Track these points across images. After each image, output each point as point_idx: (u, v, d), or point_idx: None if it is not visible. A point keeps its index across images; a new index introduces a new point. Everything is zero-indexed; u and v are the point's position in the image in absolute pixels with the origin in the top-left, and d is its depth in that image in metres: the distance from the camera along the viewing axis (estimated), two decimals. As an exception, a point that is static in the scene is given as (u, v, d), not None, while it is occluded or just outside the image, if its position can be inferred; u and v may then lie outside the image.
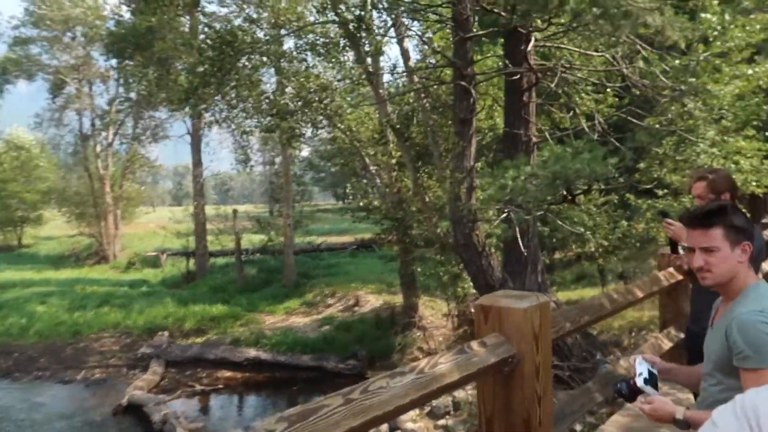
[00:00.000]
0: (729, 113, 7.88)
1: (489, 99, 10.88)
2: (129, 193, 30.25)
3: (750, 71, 7.53)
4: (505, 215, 6.74)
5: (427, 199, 12.07)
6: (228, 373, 12.26)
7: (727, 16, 7.02)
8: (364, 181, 15.14)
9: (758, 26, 7.38)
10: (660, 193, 9.77)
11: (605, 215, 10.44)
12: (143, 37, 17.03)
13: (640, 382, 1.82)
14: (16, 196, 30.57)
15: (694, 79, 7.10)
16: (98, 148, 25.64)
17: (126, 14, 20.25)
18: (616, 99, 9.67)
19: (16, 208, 31.12)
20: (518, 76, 8.00)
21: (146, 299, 17.77)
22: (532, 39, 7.85)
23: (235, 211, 22.88)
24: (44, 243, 33.79)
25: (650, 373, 1.86)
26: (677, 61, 7.26)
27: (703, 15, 7.25)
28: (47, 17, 20.86)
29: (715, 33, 7.10)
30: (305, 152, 23.46)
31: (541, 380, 2.22)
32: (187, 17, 17.59)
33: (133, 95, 24.30)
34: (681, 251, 3.10)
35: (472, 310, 11.83)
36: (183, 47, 15.93)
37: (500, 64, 9.19)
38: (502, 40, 9.11)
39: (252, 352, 12.59)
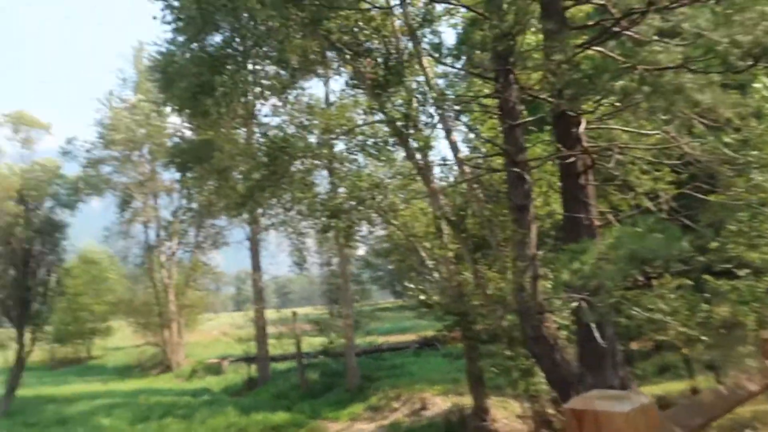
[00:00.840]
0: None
1: (544, 185, 10.62)
2: (192, 300, 30.87)
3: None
4: (576, 304, 6.26)
5: (489, 292, 11.58)
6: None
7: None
8: (423, 276, 14.84)
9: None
10: (741, 273, 9.00)
11: (682, 299, 9.66)
12: (202, 151, 17.97)
13: None
14: (86, 308, 31.77)
15: (756, 152, 6.70)
16: (163, 258, 26.57)
17: (187, 131, 21.64)
18: (676, 175, 9.23)
19: (86, 321, 32.23)
20: (572, 159, 7.76)
21: (208, 408, 17.47)
22: (583, 121, 7.68)
23: (294, 314, 22.80)
24: (112, 354, 34.50)
25: None
26: (733, 136, 6.90)
27: (754, 86, 6.94)
28: (117, 140, 22.56)
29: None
30: (361, 251, 23.54)
31: None
32: (243, 129, 18.54)
33: (195, 205, 25.40)
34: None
35: (552, 411, 10.88)
36: (240, 157, 16.65)
37: (552, 148, 9.03)
38: (552, 124, 8.99)
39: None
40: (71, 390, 22.77)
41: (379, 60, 12.03)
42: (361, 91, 14.17)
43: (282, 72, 14.69)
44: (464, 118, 12.10)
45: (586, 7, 8.54)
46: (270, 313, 23.94)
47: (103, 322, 33.25)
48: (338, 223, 13.34)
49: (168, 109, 20.90)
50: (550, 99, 7.47)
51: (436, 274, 13.24)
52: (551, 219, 10.99)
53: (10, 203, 19.33)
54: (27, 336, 20.04)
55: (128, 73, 27.58)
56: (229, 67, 13.20)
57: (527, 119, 8.91)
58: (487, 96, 8.95)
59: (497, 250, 10.77)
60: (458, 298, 12.24)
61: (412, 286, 15.77)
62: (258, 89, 15.93)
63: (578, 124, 7.54)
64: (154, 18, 12.53)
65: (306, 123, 16.01)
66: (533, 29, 7.98)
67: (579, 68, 6.82)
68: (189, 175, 21.42)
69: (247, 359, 22.60)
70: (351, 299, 19.63)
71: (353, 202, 13.91)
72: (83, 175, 21.90)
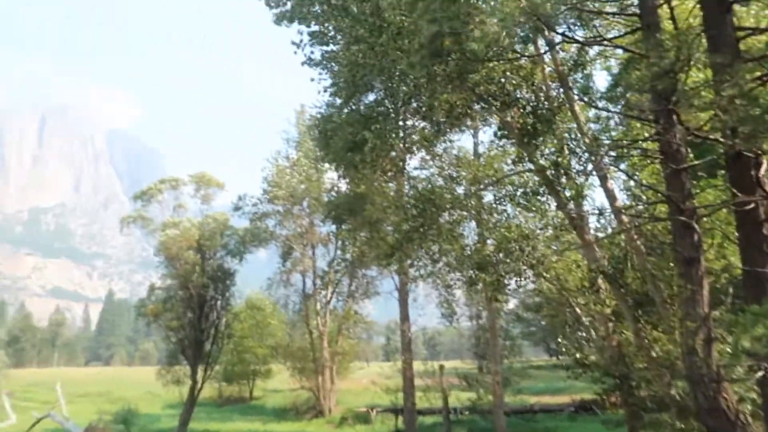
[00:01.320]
0: None
1: (717, 235, 9.48)
2: (344, 348, 31.78)
3: None
4: (762, 374, 5.37)
5: (654, 354, 10.44)
6: None
7: None
8: (578, 333, 13.87)
9: None
10: None
11: None
12: (356, 204, 18.75)
13: None
14: (250, 351, 34.13)
15: None
16: (318, 306, 27.88)
17: (342, 185, 22.87)
18: None
19: (250, 363, 34.59)
20: (751, 206, 6.84)
21: (356, 458, 17.59)
22: (764, 162, 6.77)
23: (441, 367, 22.45)
24: (271, 395, 36.46)
25: None
26: None
27: None
28: (280, 195, 24.52)
29: None
30: (511, 304, 22.69)
31: None
32: (393, 182, 19.11)
33: (348, 256, 26.49)
34: None
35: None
36: (390, 209, 17.12)
37: (726, 194, 8.05)
38: (725, 168, 8.05)
39: None
40: (234, 427, 24.33)
41: (528, 108, 11.81)
42: (509, 140, 13.98)
43: (430, 126, 14.99)
44: (621, 165, 11.31)
45: (764, 37, 7.68)
46: (418, 365, 23.83)
47: (264, 365, 35.40)
48: (486, 276, 13.02)
49: (326, 165, 22.31)
50: (721, 140, 6.72)
51: (592, 332, 12.29)
52: (728, 274, 9.74)
53: (189, 253, 21.67)
54: (199, 374, 21.90)
55: (291, 134, 30.14)
56: (377, 125, 13.77)
57: (694, 163, 8.08)
58: (646, 139, 8.30)
59: (662, 308, 9.74)
60: (618, 360, 11.19)
61: (566, 343, 14.79)
62: (407, 143, 16.43)
63: (758, 166, 6.67)
64: (312, 80, 13.53)
65: (454, 175, 16.08)
66: (699, 65, 7.30)
67: (757, 103, 6.08)
68: (343, 227, 22.48)
69: (395, 410, 22.56)
70: (500, 355, 18.88)
71: (502, 254, 13.54)
72: (250, 228, 23.98)
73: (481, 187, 14.55)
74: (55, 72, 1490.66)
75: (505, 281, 13.95)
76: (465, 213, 14.93)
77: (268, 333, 35.01)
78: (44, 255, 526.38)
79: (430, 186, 14.65)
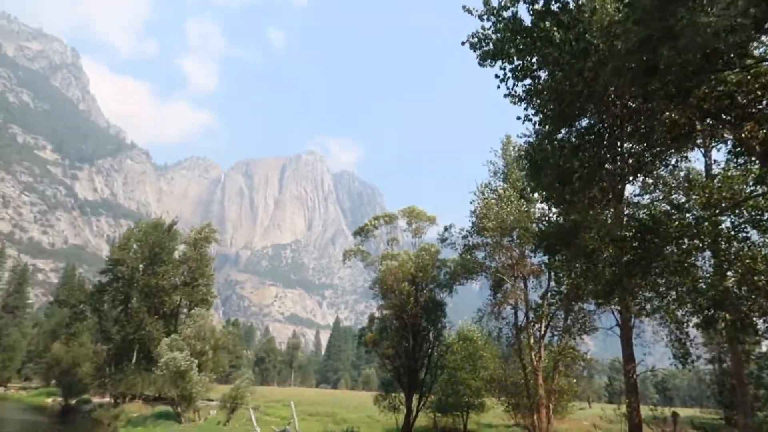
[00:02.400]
0: None
1: None
2: (561, 386, 30.11)
3: None
4: None
5: None
6: None
7: None
8: None
9: None
10: None
11: None
12: (569, 234, 17.87)
13: None
14: (464, 382, 34.19)
15: None
16: (531, 341, 26.94)
17: (553, 215, 22.04)
18: None
19: (463, 395, 34.60)
20: None
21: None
22: None
23: (675, 415, 20.01)
24: (485, 430, 35.92)
25: None
26: None
27: None
28: (489, 227, 24.48)
29: None
30: (764, 347, 19.48)
31: None
32: (610, 210, 17.86)
33: (563, 288, 25.25)
34: None
35: None
36: (606, 239, 15.99)
37: None
38: None
39: None
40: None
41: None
42: (750, 158, 12.27)
43: (648, 149, 13.82)
44: None
45: None
46: (646, 411, 21.52)
47: (478, 398, 35.11)
48: (725, 314, 11.41)
49: (535, 195, 21.76)
50: None
51: None
52: None
53: (404, 284, 22.72)
54: (414, 402, 22.59)
55: (498, 165, 30.05)
56: (586, 153, 13.10)
57: None
58: None
59: None
60: None
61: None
62: (624, 169, 15.28)
63: None
64: (518, 119, 13.40)
65: (682, 200, 14.57)
66: None
67: None
68: (556, 258, 21.54)
69: (620, 459, 20.55)
70: (749, 405, 16.18)
71: (745, 289, 11.78)
72: (460, 260, 24.29)
73: (717, 211, 12.92)
74: (292, 123, 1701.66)
75: (753, 320, 12.08)
76: (697, 242, 13.32)
77: (481, 365, 34.75)
78: (284, 286, 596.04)
79: (651, 213, 13.42)
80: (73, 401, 63.95)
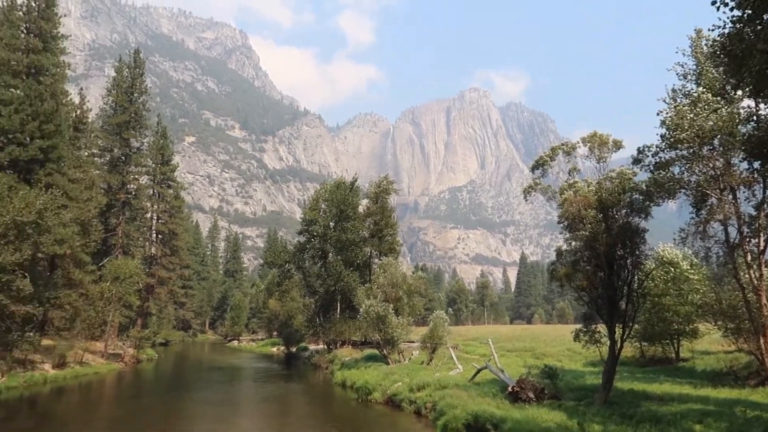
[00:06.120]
0: None
1: None
2: (790, 305, 26.52)
3: None
4: None
5: None
6: None
7: None
8: None
9: None
10: None
11: None
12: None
13: None
14: (669, 309, 31.85)
15: None
16: (749, 258, 23.93)
17: (764, 111, 18.91)
18: None
19: (671, 322, 32.30)
20: None
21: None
22: None
23: None
24: (700, 358, 33.35)
25: None
26: None
27: None
28: (683, 137, 21.81)
29: None
30: None
31: None
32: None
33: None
34: None
35: None
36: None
37: None
38: None
39: None
40: (661, 389, 23.11)
41: None
42: None
43: None
44: None
45: None
46: None
47: (689, 324, 32.54)
48: None
49: (738, 93, 18.88)
50: None
51: None
52: None
53: (590, 212, 21.40)
54: (617, 333, 21.56)
55: (687, 66, 26.45)
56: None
57: None
58: None
59: None
60: None
61: None
62: None
63: None
64: (713, 3, 11.55)
65: None
66: None
67: None
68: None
69: None
70: None
71: None
72: (652, 180, 22.11)
73: None
74: (451, 63, 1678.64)
75: None
76: None
77: (689, 289, 31.95)
78: (465, 227, 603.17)
79: None
80: (293, 349, 72.24)
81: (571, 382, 25.58)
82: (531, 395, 21.96)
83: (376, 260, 61.27)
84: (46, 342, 41.15)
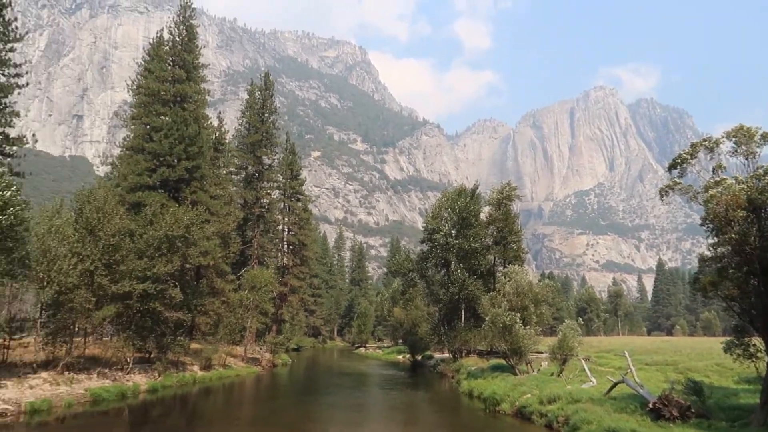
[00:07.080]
0: None
1: None
2: None
3: None
4: None
5: None
6: None
7: None
8: None
9: None
10: None
11: None
12: None
13: None
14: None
15: None
16: None
17: None
18: None
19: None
20: None
21: None
22: None
23: None
24: None
25: None
26: None
27: None
28: None
29: None
30: None
31: None
32: None
33: None
34: None
35: None
36: None
37: None
38: None
39: None
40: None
41: None
42: None
43: None
44: None
45: None
46: None
47: None
48: None
49: None
50: None
51: None
52: None
53: (740, 212, 19.45)
54: (775, 347, 19.37)
55: None
56: None
57: None
58: None
59: None
60: None
61: None
62: None
63: None
64: None
65: None
66: None
67: None
68: None
69: None
70: None
71: None
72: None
73: None
74: (573, 62, 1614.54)
75: None
76: None
77: None
78: (594, 232, 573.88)
79: None
80: (419, 357, 72.72)
81: (722, 401, 23.36)
82: (675, 413, 20.32)
83: (500, 268, 60.10)
84: (194, 346, 45.01)
